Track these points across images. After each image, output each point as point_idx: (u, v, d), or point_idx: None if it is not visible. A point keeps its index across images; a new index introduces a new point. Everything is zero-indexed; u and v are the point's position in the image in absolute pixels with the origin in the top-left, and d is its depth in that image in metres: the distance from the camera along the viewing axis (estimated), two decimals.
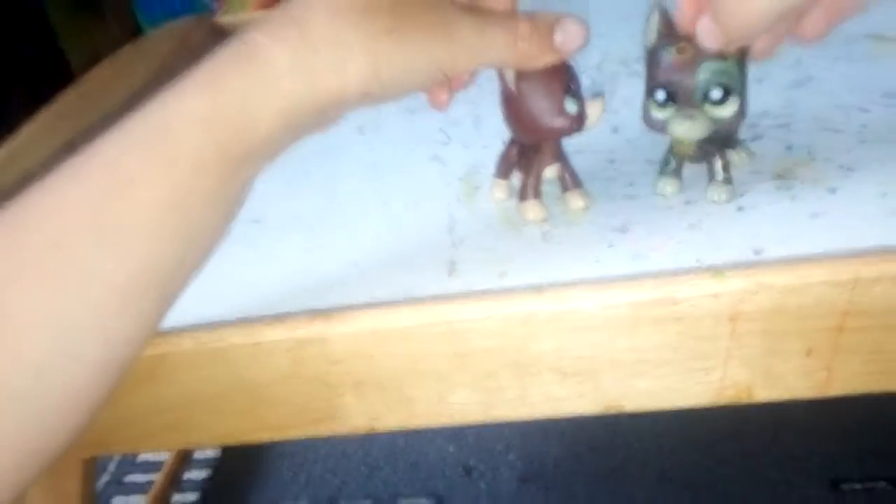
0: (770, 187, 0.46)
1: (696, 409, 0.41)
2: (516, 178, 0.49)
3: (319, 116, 0.37)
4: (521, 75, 0.43)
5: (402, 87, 0.38)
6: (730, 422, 1.14)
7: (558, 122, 0.44)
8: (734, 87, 0.41)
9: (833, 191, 0.44)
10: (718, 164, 0.45)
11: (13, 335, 0.33)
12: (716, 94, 0.41)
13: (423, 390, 0.42)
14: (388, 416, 0.43)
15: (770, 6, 0.36)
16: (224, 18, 0.99)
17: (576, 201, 0.47)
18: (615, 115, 0.54)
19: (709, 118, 0.42)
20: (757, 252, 0.40)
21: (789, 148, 0.49)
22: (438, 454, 1.21)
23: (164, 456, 1.23)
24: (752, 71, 0.58)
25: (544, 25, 0.40)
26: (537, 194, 0.47)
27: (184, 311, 0.43)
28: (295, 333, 0.40)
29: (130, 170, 0.34)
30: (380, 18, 0.36)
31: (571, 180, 0.48)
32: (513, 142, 0.49)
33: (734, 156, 0.48)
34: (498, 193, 0.50)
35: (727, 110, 0.42)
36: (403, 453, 1.22)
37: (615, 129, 0.54)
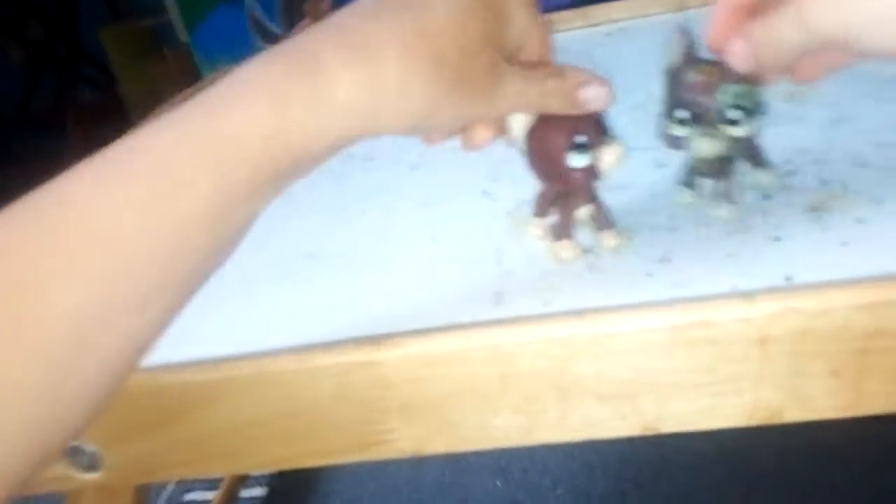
0: (804, 219, 0.47)
1: (738, 442, 0.42)
2: (554, 216, 0.51)
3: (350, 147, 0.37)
4: (529, 130, 0.45)
5: (448, 132, 0.41)
6: (773, 455, 1.14)
7: (564, 177, 0.46)
8: (752, 110, 0.44)
9: (862, 221, 0.46)
10: (728, 184, 0.48)
11: (39, 320, 0.31)
12: (734, 114, 0.43)
13: (467, 414, 0.43)
14: (434, 440, 0.45)
15: (798, 41, 0.38)
16: None
17: (608, 241, 0.49)
18: (658, 151, 0.56)
19: (727, 137, 0.44)
20: (788, 279, 0.42)
21: (824, 182, 0.51)
22: (485, 489, 1.21)
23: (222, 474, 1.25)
24: (792, 109, 0.61)
25: (572, 85, 0.42)
26: (569, 235, 0.49)
27: (238, 341, 0.46)
28: (344, 358, 0.42)
29: (182, 173, 0.33)
30: (447, 72, 0.36)
31: (604, 220, 0.49)
32: (563, 198, 0.50)
33: (762, 175, 0.50)
34: (534, 231, 0.52)
35: (743, 131, 0.44)
36: (451, 489, 1.22)
37: (659, 165, 0.56)
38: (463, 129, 0.42)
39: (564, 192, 0.49)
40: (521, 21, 0.41)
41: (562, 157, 0.44)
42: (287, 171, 0.35)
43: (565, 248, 0.49)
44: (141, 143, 0.34)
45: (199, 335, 0.49)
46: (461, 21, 0.37)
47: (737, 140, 0.44)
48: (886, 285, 0.36)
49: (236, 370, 0.44)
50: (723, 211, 0.47)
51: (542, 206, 0.52)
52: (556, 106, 0.42)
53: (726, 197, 0.47)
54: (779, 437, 1.14)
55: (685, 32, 0.45)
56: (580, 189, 0.48)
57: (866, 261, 0.42)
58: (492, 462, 1.25)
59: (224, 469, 0.55)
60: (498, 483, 1.22)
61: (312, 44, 0.35)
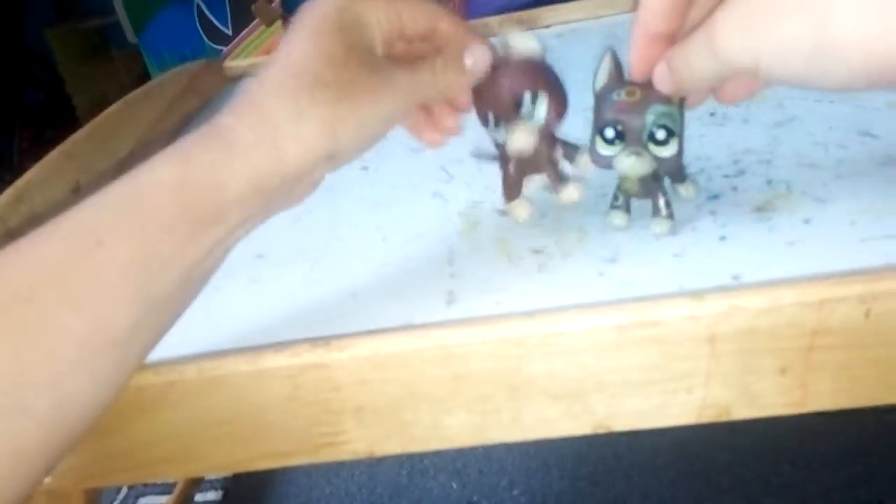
0: (751, 219, 0.48)
1: (692, 439, 0.42)
2: (528, 187, 0.51)
3: (290, 183, 0.41)
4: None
5: (361, 143, 0.42)
6: (729, 452, 1.15)
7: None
8: (676, 130, 0.44)
9: (808, 221, 0.46)
10: (661, 200, 0.48)
11: None
12: (660, 134, 0.44)
13: (420, 414, 0.43)
14: (387, 441, 0.45)
15: (713, 70, 0.40)
16: (231, 63, 1.02)
17: (570, 194, 0.50)
18: None
19: (652, 156, 0.45)
20: (735, 278, 0.42)
21: (770, 182, 0.51)
22: (442, 491, 1.21)
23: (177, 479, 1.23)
24: (738, 111, 0.62)
25: (454, 55, 0.46)
26: (519, 193, 0.51)
27: (187, 342, 0.46)
28: (295, 360, 0.42)
29: (100, 231, 0.37)
30: (328, 90, 0.40)
31: (560, 177, 0.50)
32: (505, 164, 0.51)
33: (682, 189, 0.51)
34: (520, 212, 0.52)
35: (668, 150, 0.45)
36: (407, 491, 1.22)
37: (609, 166, 0.56)
38: (384, 134, 0.44)
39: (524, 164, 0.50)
40: (384, 16, 0.44)
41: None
42: (207, 216, 0.38)
43: (520, 206, 0.51)
44: (71, 211, 0.38)
45: None
46: (317, 43, 0.41)
47: (661, 160, 0.45)
48: (831, 283, 0.37)
49: (177, 374, 0.43)
50: (661, 227, 0.48)
51: (511, 187, 0.52)
52: (454, 81, 0.45)
53: (662, 213, 0.48)
54: (732, 435, 1.17)
55: (614, 55, 0.46)
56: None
57: (812, 259, 0.43)
58: (448, 463, 1.25)
59: (174, 473, 0.55)
60: (454, 485, 1.22)
61: (214, 120, 0.41)
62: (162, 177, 0.38)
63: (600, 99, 0.46)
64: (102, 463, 0.47)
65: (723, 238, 0.47)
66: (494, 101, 0.48)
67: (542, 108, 0.47)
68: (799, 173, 0.52)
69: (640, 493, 1.14)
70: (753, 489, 1.12)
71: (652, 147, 0.45)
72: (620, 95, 0.45)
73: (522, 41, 0.48)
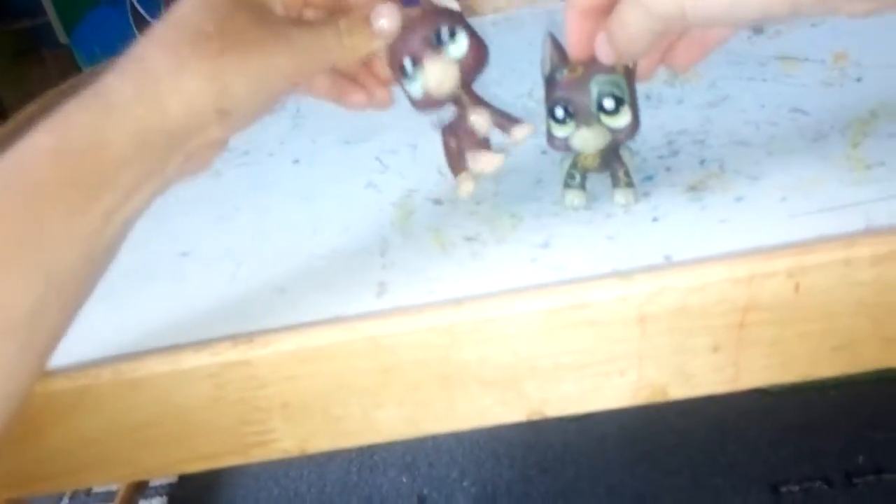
0: (683, 199, 0.47)
1: (642, 423, 0.42)
2: (472, 160, 0.50)
3: (178, 141, 0.39)
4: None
5: (256, 99, 0.41)
6: (676, 435, 1.16)
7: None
8: (624, 98, 0.44)
9: (740, 199, 0.46)
10: (620, 170, 0.47)
11: None
12: (609, 103, 0.44)
13: (350, 409, 0.42)
14: (318, 438, 0.43)
15: (646, 26, 0.39)
16: None
17: (519, 133, 0.48)
18: (544, 137, 0.56)
19: (605, 128, 0.44)
20: (667, 258, 0.42)
21: (702, 162, 0.51)
22: (392, 486, 1.20)
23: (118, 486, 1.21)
24: (673, 92, 0.61)
25: (360, 17, 0.44)
26: (464, 167, 0.49)
27: (103, 345, 0.44)
28: (217, 358, 0.41)
29: None
30: (211, 42, 0.38)
31: (508, 120, 0.48)
32: (444, 135, 0.50)
33: (620, 196, 0.50)
34: (465, 186, 0.51)
35: (621, 120, 0.44)
36: (357, 488, 1.21)
37: (544, 152, 0.55)
38: (282, 91, 0.43)
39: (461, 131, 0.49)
40: None
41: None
42: (93, 180, 0.36)
43: (465, 180, 0.50)
44: None
45: (68, 341, 0.46)
46: None
47: (615, 130, 0.45)
48: (761, 258, 0.36)
49: (92, 378, 0.41)
50: (626, 197, 0.48)
51: (454, 159, 0.51)
52: (361, 43, 0.44)
53: (621, 182, 0.47)
54: (678, 417, 1.18)
55: (553, 38, 0.46)
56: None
57: (743, 237, 0.42)
58: (397, 458, 1.24)
59: (98, 480, 0.53)
60: (404, 479, 1.21)
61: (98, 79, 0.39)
62: (42, 143, 0.36)
63: (547, 82, 0.46)
64: (21, 472, 0.45)
65: (655, 219, 0.46)
66: (409, 43, 0.45)
67: (461, 42, 0.46)
68: (731, 152, 0.52)
69: (590, 479, 1.14)
70: (701, 469, 1.13)
71: (604, 119, 0.44)
72: (563, 74, 0.45)
73: None
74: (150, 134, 0.37)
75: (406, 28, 0.45)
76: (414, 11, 0.46)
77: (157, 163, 0.38)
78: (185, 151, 0.39)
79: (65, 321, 0.38)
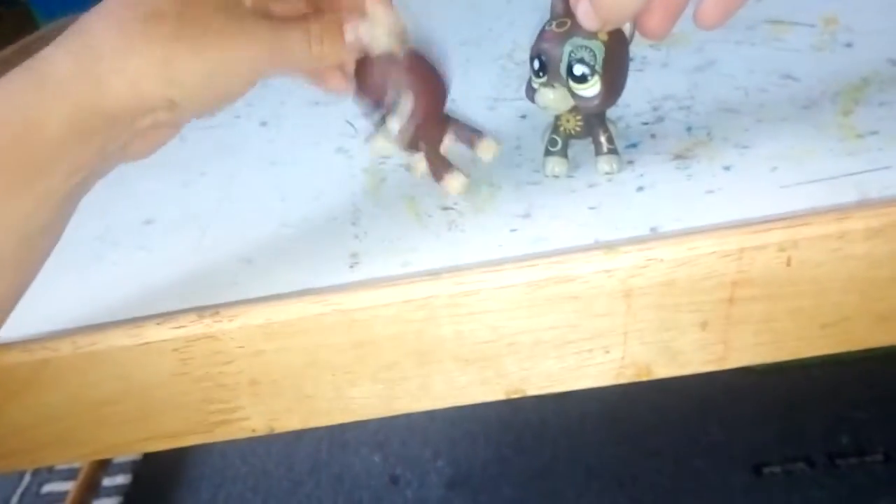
0: (669, 168, 0.46)
1: (622, 402, 0.41)
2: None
3: (120, 126, 0.36)
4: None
5: (209, 93, 0.38)
6: (657, 414, 1.16)
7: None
8: (594, 67, 0.42)
9: (728, 168, 0.44)
10: (603, 137, 0.46)
11: None
12: (578, 69, 0.42)
13: (321, 386, 0.40)
14: (287, 417, 0.42)
15: None
16: None
17: (486, 151, 0.47)
18: (523, 102, 0.54)
19: (570, 93, 0.43)
20: (653, 229, 0.40)
21: (689, 129, 0.49)
22: (363, 465, 1.19)
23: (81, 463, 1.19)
24: (658, 56, 0.59)
25: (335, 25, 0.41)
26: (449, 167, 0.47)
27: (63, 316, 0.42)
28: (181, 332, 0.39)
29: None
30: (165, 24, 0.36)
31: (471, 133, 0.47)
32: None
33: (603, 163, 0.48)
34: (454, 184, 0.48)
35: (588, 90, 0.42)
36: (327, 466, 1.19)
37: (523, 116, 0.54)
38: (240, 89, 0.40)
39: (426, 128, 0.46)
40: None
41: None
42: (29, 161, 0.34)
43: (454, 180, 0.47)
44: None
45: (24, 313, 0.44)
46: None
47: (580, 98, 0.43)
48: (751, 229, 0.35)
49: (51, 350, 0.39)
50: (609, 164, 0.46)
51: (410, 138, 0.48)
52: (330, 52, 0.41)
53: (604, 149, 0.46)
54: (660, 396, 1.17)
55: None
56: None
57: (732, 208, 0.41)
58: (369, 436, 1.23)
59: (57, 459, 0.51)
60: (376, 458, 1.20)
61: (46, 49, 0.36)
62: None
63: (541, 30, 0.44)
64: None
65: (640, 188, 0.44)
66: (369, 91, 0.44)
67: (405, 108, 0.44)
68: (719, 119, 0.50)
69: (567, 459, 1.13)
70: (682, 450, 1.13)
71: (572, 84, 0.42)
72: (552, 25, 0.43)
73: (381, 35, 0.43)
74: (87, 115, 0.35)
75: (366, 67, 0.43)
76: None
77: (96, 144, 0.36)
78: (131, 132, 0.37)
79: (5, 304, 0.37)
